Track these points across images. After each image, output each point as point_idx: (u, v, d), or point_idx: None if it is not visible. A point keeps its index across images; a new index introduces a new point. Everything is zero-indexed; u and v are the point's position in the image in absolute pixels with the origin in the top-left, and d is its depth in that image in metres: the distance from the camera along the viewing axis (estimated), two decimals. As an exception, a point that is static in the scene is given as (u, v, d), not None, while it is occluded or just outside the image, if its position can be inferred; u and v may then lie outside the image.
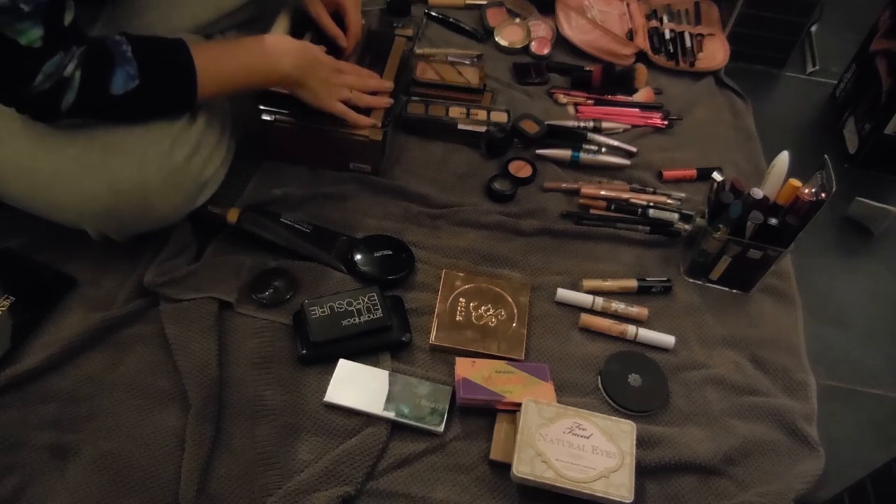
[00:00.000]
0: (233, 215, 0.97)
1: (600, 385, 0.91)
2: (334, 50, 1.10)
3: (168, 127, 0.87)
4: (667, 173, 1.18)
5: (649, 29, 1.43)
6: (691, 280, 1.05)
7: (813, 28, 1.57)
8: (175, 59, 0.85)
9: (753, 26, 1.43)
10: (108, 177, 0.84)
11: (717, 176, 1.00)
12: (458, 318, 0.94)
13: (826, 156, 0.95)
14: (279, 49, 0.95)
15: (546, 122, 1.20)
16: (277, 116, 1.04)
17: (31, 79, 0.75)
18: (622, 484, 0.78)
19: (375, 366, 0.88)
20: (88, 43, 0.79)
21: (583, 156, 1.18)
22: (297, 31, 1.10)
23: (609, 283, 1.01)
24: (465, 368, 0.88)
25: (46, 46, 0.74)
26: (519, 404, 0.84)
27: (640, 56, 1.39)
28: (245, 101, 1.04)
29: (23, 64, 0.74)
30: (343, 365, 0.87)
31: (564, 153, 1.18)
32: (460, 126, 1.17)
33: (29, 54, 0.74)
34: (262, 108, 1.04)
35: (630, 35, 1.41)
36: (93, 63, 0.78)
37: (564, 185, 1.14)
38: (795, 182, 0.96)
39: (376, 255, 0.98)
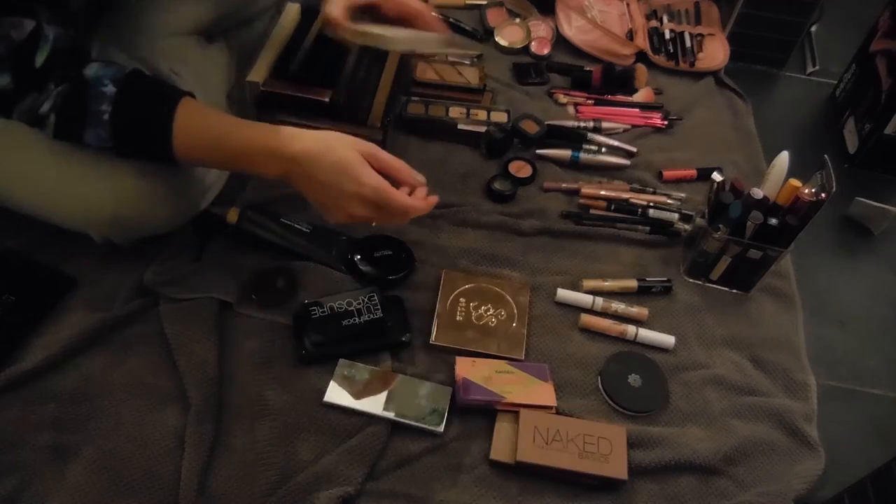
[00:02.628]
0: (233, 215, 0.97)
1: (600, 385, 0.91)
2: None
3: None
4: (667, 173, 1.18)
5: (649, 29, 1.43)
6: (691, 280, 1.05)
7: (813, 28, 1.57)
8: (153, 136, 0.78)
9: (753, 26, 1.43)
10: (113, 184, 0.84)
11: (717, 176, 1.00)
12: (458, 317, 0.94)
13: (826, 156, 0.95)
14: (264, 160, 0.80)
15: (546, 122, 1.20)
16: (277, 117, 1.04)
17: (7, 115, 0.76)
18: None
19: (375, 366, 0.88)
20: (69, 85, 0.75)
21: (583, 156, 1.18)
22: (296, 38, 1.09)
23: (609, 284, 1.01)
24: (465, 368, 0.88)
25: (17, 89, 0.74)
26: (519, 405, 0.85)
27: (640, 56, 1.39)
28: (246, 103, 1.04)
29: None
30: (343, 365, 0.87)
31: (564, 153, 1.18)
32: (460, 126, 1.17)
33: (1, 96, 0.74)
34: (262, 109, 1.04)
35: (630, 35, 1.41)
36: (66, 114, 0.76)
37: (564, 185, 1.14)
38: (795, 182, 0.96)
39: (376, 255, 0.98)
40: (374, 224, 0.84)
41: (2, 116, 0.77)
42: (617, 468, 0.80)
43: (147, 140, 0.79)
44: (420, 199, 0.82)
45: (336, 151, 0.78)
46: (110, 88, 0.76)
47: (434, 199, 0.84)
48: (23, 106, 0.75)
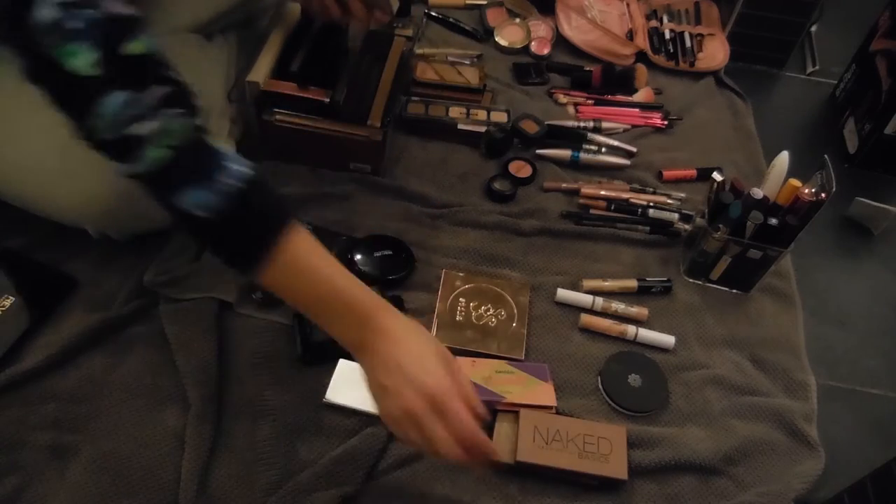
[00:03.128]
0: (233, 215, 0.97)
1: (600, 385, 0.91)
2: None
3: None
4: (667, 173, 1.18)
5: (649, 29, 1.43)
6: (691, 280, 1.05)
7: (813, 28, 1.57)
8: (262, 238, 0.67)
9: (753, 26, 1.43)
10: (110, 177, 0.83)
11: (717, 176, 1.00)
12: (458, 318, 0.94)
13: (826, 156, 0.95)
14: (356, 331, 0.70)
15: (546, 122, 1.20)
16: (278, 116, 1.04)
17: (89, 116, 0.61)
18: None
19: (375, 366, 0.88)
20: (196, 144, 0.63)
21: (583, 156, 1.18)
22: (296, 38, 1.09)
23: (609, 284, 1.01)
24: (465, 368, 0.87)
25: (101, 74, 0.59)
26: (519, 405, 0.85)
27: (640, 56, 1.39)
28: (246, 102, 1.04)
29: (77, 95, 0.60)
30: (343, 365, 0.87)
31: (564, 153, 1.18)
32: (460, 126, 1.17)
33: (81, 84, 0.60)
34: (262, 107, 1.04)
35: (630, 35, 1.41)
36: (183, 156, 0.63)
37: (564, 185, 1.14)
38: (795, 182, 0.96)
39: (376, 255, 0.98)
40: (416, 446, 0.68)
41: (76, 116, 0.61)
42: (617, 468, 0.80)
43: (253, 239, 0.67)
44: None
45: (429, 338, 0.71)
46: (243, 170, 0.66)
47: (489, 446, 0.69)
48: (114, 105, 0.60)
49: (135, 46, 0.61)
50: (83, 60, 0.59)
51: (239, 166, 0.66)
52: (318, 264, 0.69)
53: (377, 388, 0.69)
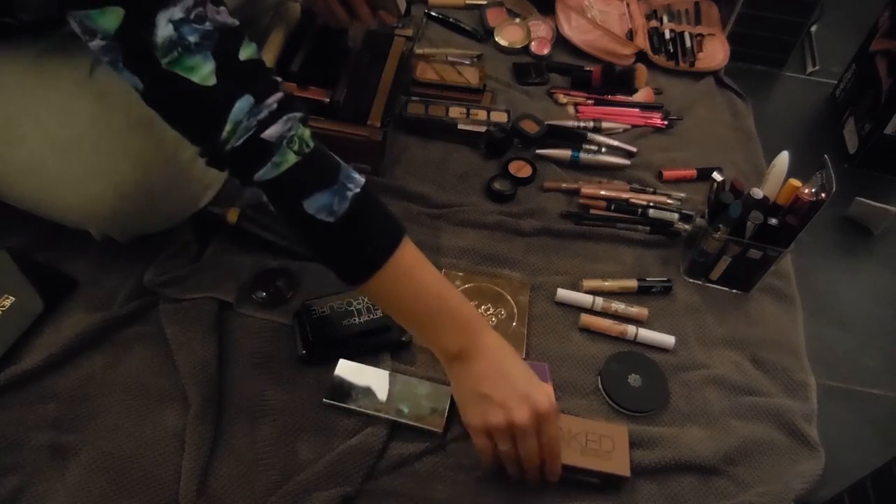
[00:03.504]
0: (233, 215, 0.97)
1: (600, 385, 0.91)
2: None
3: (171, 129, 0.87)
4: (667, 173, 1.18)
5: (649, 29, 1.43)
6: (691, 280, 1.05)
7: (813, 28, 1.57)
8: (381, 243, 0.69)
9: (753, 26, 1.43)
10: (114, 179, 0.84)
11: (717, 176, 1.00)
12: (458, 318, 0.94)
13: (826, 156, 0.95)
14: (461, 335, 0.72)
15: (546, 122, 1.20)
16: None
17: (220, 126, 0.63)
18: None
19: (375, 366, 0.88)
20: (315, 152, 0.66)
21: (583, 156, 1.18)
22: (296, 38, 1.09)
23: (609, 284, 1.01)
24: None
25: (222, 82, 0.62)
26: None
27: (640, 56, 1.39)
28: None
29: (205, 106, 0.63)
30: (343, 365, 0.87)
31: (564, 153, 1.18)
32: (460, 126, 1.17)
33: (207, 94, 0.62)
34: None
35: (630, 35, 1.41)
36: (310, 163, 0.65)
37: (564, 185, 1.14)
38: (795, 182, 0.96)
39: (376, 255, 0.98)
40: (496, 457, 0.74)
41: (204, 129, 0.64)
42: (620, 465, 0.80)
43: (371, 243, 0.69)
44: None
45: (524, 363, 0.73)
46: (359, 177, 0.69)
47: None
48: (242, 111, 0.62)
49: (245, 53, 0.64)
50: (202, 72, 0.62)
51: (355, 173, 0.68)
52: (428, 276, 0.73)
53: (475, 396, 0.72)
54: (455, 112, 1.19)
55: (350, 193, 0.67)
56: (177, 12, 0.60)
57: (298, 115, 0.66)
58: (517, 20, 1.41)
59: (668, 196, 1.14)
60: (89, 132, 0.83)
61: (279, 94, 0.65)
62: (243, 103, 0.63)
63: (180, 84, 0.62)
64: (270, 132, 0.64)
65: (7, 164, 0.85)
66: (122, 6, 0.59)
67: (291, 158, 0.65)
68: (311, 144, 0.67)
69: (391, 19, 1.03)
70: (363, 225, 0.69)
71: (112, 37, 0.60)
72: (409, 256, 0.71)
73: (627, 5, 1.46)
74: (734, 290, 1.04)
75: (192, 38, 0.61)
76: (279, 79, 0.67)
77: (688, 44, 1.41)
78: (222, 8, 0.64)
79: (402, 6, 0.99)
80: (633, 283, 1.02)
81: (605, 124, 1.25)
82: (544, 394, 0.72)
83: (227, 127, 0.63)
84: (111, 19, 0.60)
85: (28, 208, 0.89)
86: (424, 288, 0.72)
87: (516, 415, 0.70)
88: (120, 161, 0.83)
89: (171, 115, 0.65)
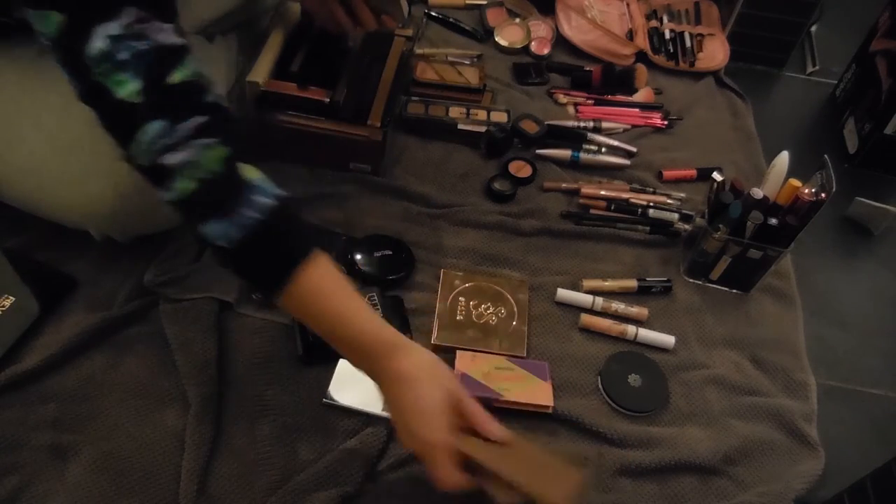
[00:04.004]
0: (233, 215, 0.97)
1: (600, 385, 0.91)
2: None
3: None
4: (667, 173, 1.18)
5: (649, 29, 1.43)
6: (691, 280, 1.05)
7: (813, 28, 1.57)
8: (282, 266, 0.68)
9: (753, 26, 1.43)
10: (114, 179, 0.84)
11: (717, 176, 1.00)
12: (458, 317, 0.94)
13: (826, 156, 0.95)
14: (368, 360, 0.72)
15: (546, 122, 1.20)
16: (278, 116, 1.04)
17: (128, 139, 0.64)
18: None
19: (375, 366, 0.88)
20: (226, 174, 0.65)
21: (583, 156, 1.18)
22: (296, 38, 1.10)
23: (609, 284, 1.01)
24: (464, 363, 0.88)
25: (147, 104, 0.63)
26: (515, 403, 0.85)
27: (640, 56, 1.39)
28: (245, 103, 1.04)
29: (123, 120, 0.64)
30: (343, 365, 0.87)
31: (564, 153, 1.18)
32: (460, 126, 1.17)
33: (128, 110, 0.63)
34: (262, 108, 1.04)
35: (630, 35, 1.41)
36: (209, 190, 0.65)
37: (564, 185, 1.14)
38: (795, 182, 0.96)
39: (376, 255, 0.98)
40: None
41: (121, 140, 0.65)
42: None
43: (272, 268, 0.69)
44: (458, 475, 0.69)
45: (440, 380, 0.70)
46: (267, 202, 0.67)
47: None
48: (150, 134, 0.63)
49: (178, 75, 0.64)
50: (128, 89, 0.62)
51: (264, 198, 0.67)
52: (333, 300, 0.71)
53: (391, 414, 0.73)
54: (455, 112, 1.19)
55: (248, 223, 0.66)
56: (115, 27, 0.61)
57: (212, 140, 0.65)
58: (517, 20, 1.41)
59: (668, 196, 1.14)
60: (88, 132, 0.83)
61: (200, 120, 0.65)
62: (156, 126, 0.63)
63: (107, 95, 0.63)
64: (172, 158, 0.64)
65: (6, 165, 0.85)
66: (64, 13, 0.60)
67: (189, 186, 0.65)
68: (219, 170, 0.66)
69: (393, 24, 1.04)
70: (261, 251, 0.68)
71: (51, 39, 0.62)
72: (312, 283, 0.69)
73: (627, 5, 1.46)
74: (734, 290, 1.04)
75: (123, 56, 0.62)
76: (215, 98, 0.67)
77: (688, 44, 1.41)
78: (168, 26, 0.64)
79: (405, 10, 0.99)
80: (633, 283, 1.02)
81: (605, 124, 1.25)
82: (431, 428, 0.68)
83: (135, 146, 0.64)
84: (51, 23, 0.61)
85: (28, 208, 0.89)
86: (330, 315, 0.71)
87: (408, 444, 0.71)
88: (118, 161, 0.83)
89: (99, 118, 0.67)
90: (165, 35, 0.64)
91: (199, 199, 0.66)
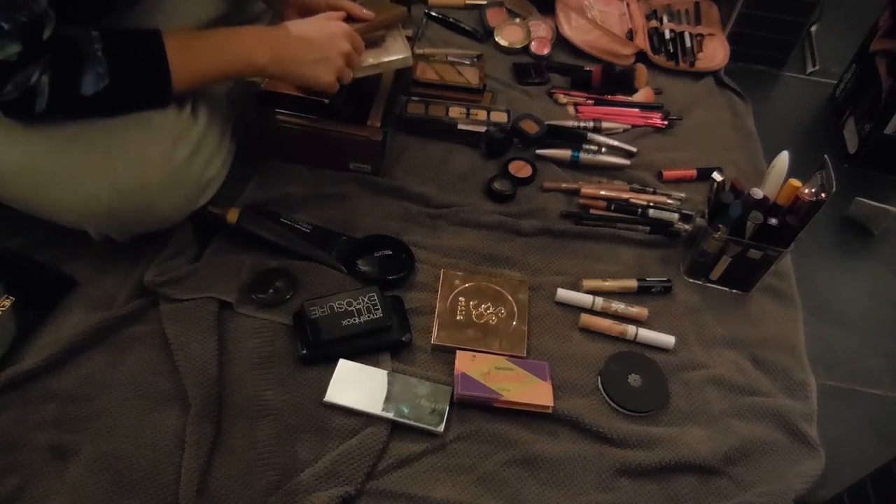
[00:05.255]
0: (233, 215, 0.97)
1: (600, 385, 0.91)
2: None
3: (169, 127, 0.87)
4: (667, 173, 1.18)
5: (649, 29, 1.43)
6: (691, 280, 1.05)
7: (813, 28, 1.57)
8: (147, 56, 0.82)
9: (753, 26, 1.43)
10: (110, 178, 0.84)
11: (717, 176, 1.00)
12: (458, 317, 0.94)
13: (826, 156, 0.95)
14: (253, 42, 0.90)
15: (546, 122, 1.20)
16: (278, 116, 1.04)
17: (1, 89, 0.75)
18: None
19: (375, 366, 0.88)
20: (57, 43, 0.77)
21: (583, 156, 1.18)
22: None
23: (609, 284, 1.01)
24: (465, 363, 0.88)
25: (21, 60, 0.74)
26: (515, 403, 0.85)
27: (640, 56, 1.39)
28: (246, 102, 1.04)
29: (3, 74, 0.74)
30: (343, 365, 0.87)
31: (564, 153, 1.18)
32: (460, 126, 1.17)
33: (2, 67, 0.74)
34: (262, 108, 1.04)
35: (630, 35, 1.41)
36: (61, 66, 0.78)
37: (564, 185, 1.14)
38: (795, 182, 0.96)
39: (376, 255, 0.98)
40: (351, 70, 0.96)
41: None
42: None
43: (144, 63, 0.82)
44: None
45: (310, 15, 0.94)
46: (96, 33, 0.79)
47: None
48: (18, 78, 0.75)
49: (47, 31, 0.75)
50: (9, 52, 0.73)
51: (88, 35, 0.78)
52: (202, 32, 0.89)
53: (312, 67, 0.92)
54: (455, 112, 1.19)
55: (98, 52, 0.78)
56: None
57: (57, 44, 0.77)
58: (517, 20, 1.41)
59: (668, 196, 1.14)
60: (83, 130, 0.83)
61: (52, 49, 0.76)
62: (27, 70, 0.75)
63: None
64: (33, 79, 0.75)
65: (1, 165, 0.85)
66: None
67: (46, 80, 0.76)
68: (58, 49, 0.76)
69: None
70: (128, 52, 0.81)
71: None
72: (178, 38, 0.84)
73: (627, 5, 1.46)
74: (734, 290, 1.04)
75: (5, 26, 0.72)
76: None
77: (688, 44, 1.41)
78: None
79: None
80: (633, 283, 1.02)
81: (605, 124, 1.25)
82: (333, 20, 0.94)
83: (8, 88, 0.75)
84: None
85: (25, 208, 0.89)
86: (211, 37, 0.88)
87: (344, 47, 0.93)
88: (114, 159, 0.83)
89: None
90: (38, 3, 0.74)
91: (59, 77, 0.77)
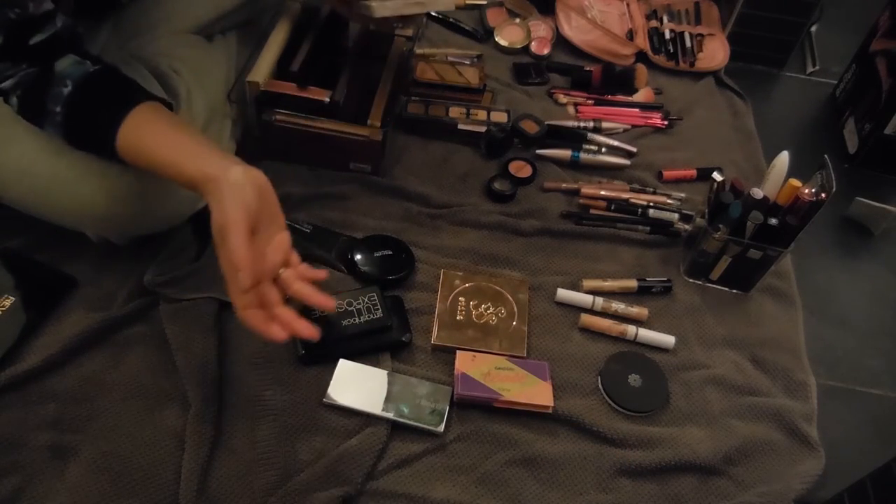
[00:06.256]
0: (233, 215, 0.97)
1: (600, 385, 0.91)
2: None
3: None
4: (667, 173, 1.18)
5: (649, 29, 1.43)
6: (691, 280, 1.05)
7: (813, 28, 1.57)
8: (101, 135, 0.77)
9: (753, 26, 1.43)
10: (105, 182, 0.84)
11: (717, 176, 1.00)
12: (458, 317, 0.94)
13: (826, 156, 0.95)
14: (204, 177, 0.75)
15: (546, 122, 1.20)
16: (278, 116, 1.04)
17: None
18: None
19: (375, 366, 0.88)
20: (36, 73, 0.76)
21: (583, 156, 1.18)
22: (296, 38, 1.10)
23: (609, 284, 1.01)
24: (465, 363, 0.88)
25: None
26: (515, 403, 0.85)
27: (640, 56, 1.39)
28: (244, 103, 1.04)
29: None
30: (343, 365, 0.87)
31: (564, 153, 1.18)
32: (460, 126, 1.17)
33: None
34: (262, 108, 1.04)
35: (630, 35, 1.41)
36: (27, 102, 0.78)
37: (564, 185, 1.14)
38: (795, 182, 0.96)
39: (376, 255, 0.98)
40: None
41: None
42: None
43: (95, 141, 0.78)
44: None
45: (243, 193, 0.76)
46: (69, 90, 0.76)
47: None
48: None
49: (37, 36, 0.75)
50: None
51: (67, 86, 0.76)
52: (161, 137, 0.77)
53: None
54: (455, 112, 1.19)
55: (59, 118, 0.76)
56: None
57: (36, 72, 0.76)
58: (517, 20, 1.41)
59: (668, 196, 1.14)
60: None
61: (37, 66, 0.76)
62: (1, 66, 0.75)
63: None
64: (6, 84, 0.76)
65: (1, 167, 0.85)
66: None
67: (16, 100, 0.77)
68: (31, 84, 0.76)
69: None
70: (84, 126, 0.78)
71: None
72: (136, 130, 0.76)
73: (627, 5, 1.46)
74: (734, 290, 1.04)
75: None
76: (69, 46, 0.77)
77: (688, 44, 1.41)
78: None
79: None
80: (633, 283, 1.02)
81: (605, 124, 1.25)
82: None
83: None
84: None
85: (24, 210, 0.89)
86: (158, 156, 0.76)
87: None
88: (111, 164, 0.83)
89: None
90: (37, 4, 0.74)
91: (25, 109, 0.78)
